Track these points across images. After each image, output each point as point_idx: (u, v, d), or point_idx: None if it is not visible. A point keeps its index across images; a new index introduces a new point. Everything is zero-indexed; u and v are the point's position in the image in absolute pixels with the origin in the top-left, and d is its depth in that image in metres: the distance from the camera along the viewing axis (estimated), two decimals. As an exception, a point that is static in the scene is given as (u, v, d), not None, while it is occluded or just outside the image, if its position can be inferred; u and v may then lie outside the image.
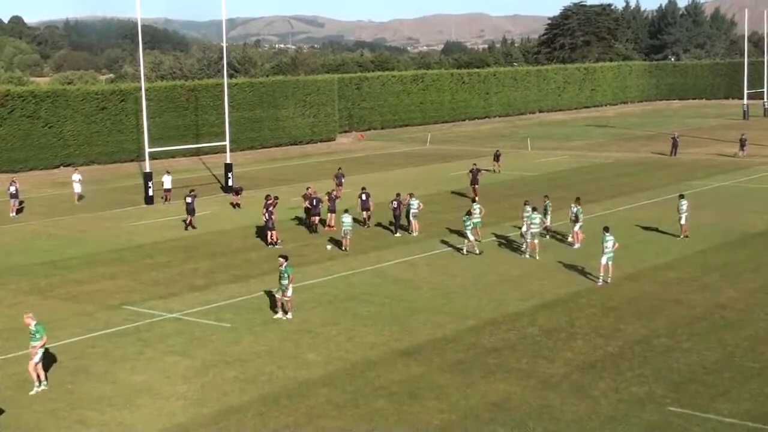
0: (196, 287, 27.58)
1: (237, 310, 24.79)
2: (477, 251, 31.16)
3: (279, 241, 33.72)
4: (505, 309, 24.54)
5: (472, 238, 31.17)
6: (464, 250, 31.22)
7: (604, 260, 26.88)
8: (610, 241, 26.88)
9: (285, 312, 23.98)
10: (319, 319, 23.88)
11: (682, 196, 34.02)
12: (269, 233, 33.66)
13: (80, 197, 45.78)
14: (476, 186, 42.72)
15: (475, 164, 43.48)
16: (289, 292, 23.77)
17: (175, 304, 25.71)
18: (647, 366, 19.87)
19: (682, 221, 33.02)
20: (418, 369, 19.96)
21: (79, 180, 46.13)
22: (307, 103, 73.04)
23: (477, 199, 33.94)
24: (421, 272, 29.09)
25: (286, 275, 23.50)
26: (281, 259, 23.84)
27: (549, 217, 33.53)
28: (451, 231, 35.43)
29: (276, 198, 35.30)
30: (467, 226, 31.05)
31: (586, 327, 22.78)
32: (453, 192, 43.35)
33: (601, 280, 26.88)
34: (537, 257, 30.29)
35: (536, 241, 30.63)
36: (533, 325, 22.98)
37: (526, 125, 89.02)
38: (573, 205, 32.90)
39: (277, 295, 24.24)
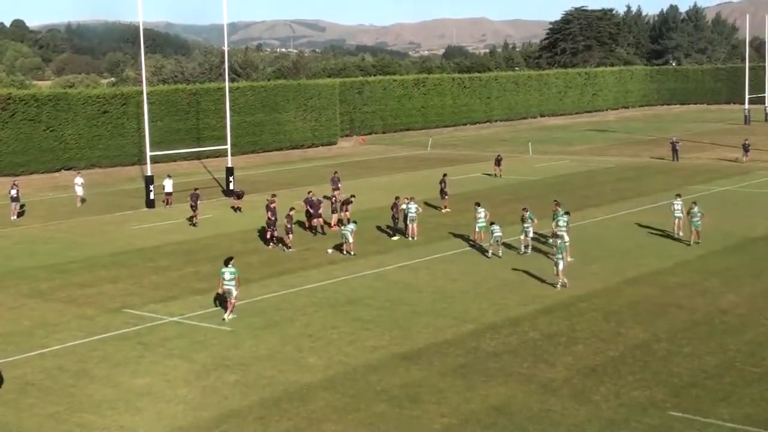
0: (197, 291, 27.59)
1: (238, 314, 24.76)
2: (489, 254, 31.27)
3: (282, 244, 33.84)
4: (505, 313, 24.54)
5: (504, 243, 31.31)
6: (489, 253, 31.35)
7: (561, 265, 26.66)
8: (560, 252, 26.66)
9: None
10: (320, 323, 23.91)
11: (694, 203, 33.91)
12: (268, 233, 33.96)
13: (83, 201, 45.82)
14: (446, 196, 41.68)
15: (445, 174, 43.12)
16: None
17: (176, 307, 25.72)
18: (648, 370, 19.87)
19: (699, 228, 32.57)
20: (419, 373, 19.97)
21: (82, 183, 46.17)
22: (308, 107, 73.09)
23: (480, 203, 33.71)
24: (422, 276, 29.12)
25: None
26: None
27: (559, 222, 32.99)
28: (453, 235, 35.46)
29: (274, 195, 35.34)
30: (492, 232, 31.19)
31: (587, 331, 22.78)
32: (425, 203, 42.75)
33: (562, 284, 26.59)
34: (570, 259, 30.14)
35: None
36: (534, 330, 22.99)
37: (528, 129, 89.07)
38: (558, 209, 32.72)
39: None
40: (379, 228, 37.14)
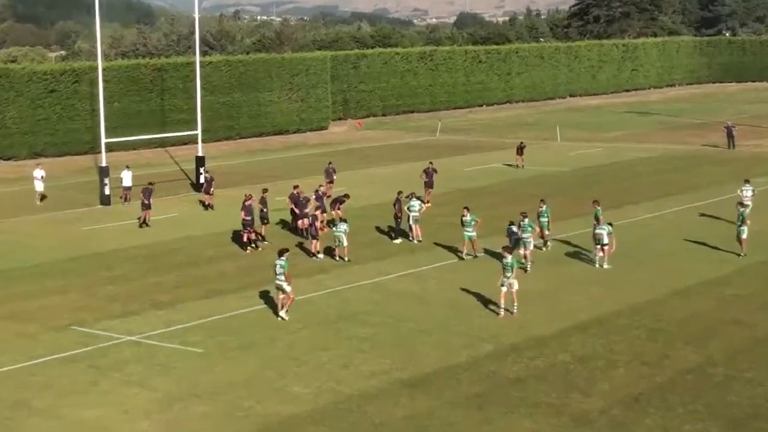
0: (161, 304, 27.51)
1: (209, 332, 24.67)
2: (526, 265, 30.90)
3: (260, 243, 34.10)
4: (530, 331, 24.43)
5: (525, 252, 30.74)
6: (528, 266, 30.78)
7: (505, 288, 25.82)
8: (510, 271, 25.80)
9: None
10: (307, 343, 23.79)
11: (741, 204, 33.57)
12: (245, 235, 34.21)
13: (43, 197, 45.46)
14: (430, 190, 41.80)
15: (431, 163, 43.15)
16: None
17: (135, 324, 25.60)
18: (701, 400, 19.76)
19: (743, 235, 31.88)
20: (427, 403, 19.87)
21: (42, 177, 45.92)
22: (294, 85, 73.05)
23: (469, 208, 33.05)
24: (429, 286, 29.03)
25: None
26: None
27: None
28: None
29: (251, 196, 35.24)
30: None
31: (628, 353, 22.68)
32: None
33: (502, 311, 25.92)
34: (606, 266, 30.52)
35: (602, 247, 30.59)
36: (564, 351, 22.90)
37: (555, 112, 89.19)
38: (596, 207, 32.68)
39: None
40: (378, 229, 37.05)
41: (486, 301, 27.12)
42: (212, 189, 42.87)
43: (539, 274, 30.01)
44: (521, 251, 30.53)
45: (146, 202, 38.77)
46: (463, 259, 32.39)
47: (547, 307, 26.54)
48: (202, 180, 46.83)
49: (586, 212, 35.49)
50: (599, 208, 32.41)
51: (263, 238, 35.35)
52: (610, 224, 31.13)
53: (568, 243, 34.07)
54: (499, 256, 31.66)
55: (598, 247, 30.82)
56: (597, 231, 30.90)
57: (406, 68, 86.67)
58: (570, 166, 53.88)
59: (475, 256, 32.34)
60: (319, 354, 22.97)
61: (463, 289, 28.50)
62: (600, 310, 26.14)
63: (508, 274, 25.84)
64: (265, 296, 27.98)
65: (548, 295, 27.64)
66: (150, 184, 39.98)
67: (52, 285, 29.91)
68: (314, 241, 33.18)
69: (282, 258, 25.76)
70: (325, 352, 23.12)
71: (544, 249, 33.03)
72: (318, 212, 35.34)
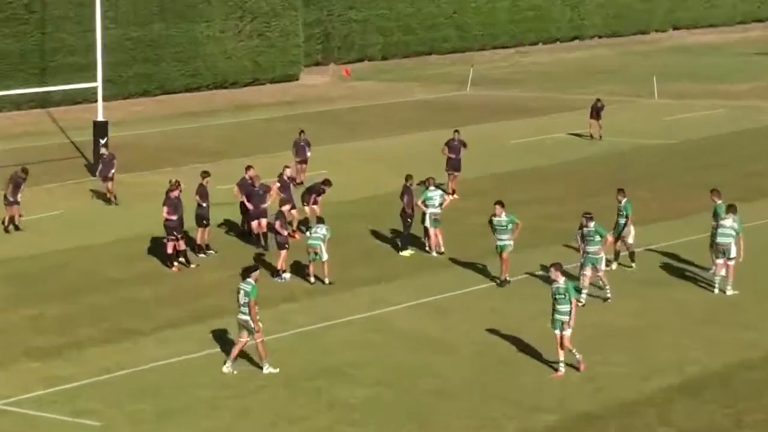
0: (38, 352, 27.39)
1: (112, 395, 24.56)
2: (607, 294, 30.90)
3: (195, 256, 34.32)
4: (611, 393, 24.41)
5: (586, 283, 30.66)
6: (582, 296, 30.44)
7: (558, 331, 25.59)
8: (566, 302, 25.57)
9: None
10: (268, 411, 23.78)
11: None
12: (169, 245, 34.21)
13: None
14: (457, 174, 42.63)
15: (457, 132, 43.70)
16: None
17: (-1, 382, 25.56)
18: None
19: None
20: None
21: None
22: (246, 12, 73.18)
23: (502, 204, 32.97)
24: (452, 323, 29.10)
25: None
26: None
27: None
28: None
29: (179, 183, 35.42)
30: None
31: (766, 427, 22.47)
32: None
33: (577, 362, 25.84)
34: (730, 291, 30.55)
35: (726, 261, 30.50)
36: (666, 424, 22.83)
37: (650, 54, 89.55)
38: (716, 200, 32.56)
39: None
40: (376, 234, 37.28)
41: (540, 346, 26.85)
42: (112, 172, 42.60)
43: (624, 304, 30.08)
44: (587, 272, 30.26)
45: (11, 198, 38.47)
46: (503, 282, 32.35)
47: (637, 355, 26.47)
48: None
49: (697, 208, 35.63)
50: (720, 201, 32.24)
51: (201, 249, 35.15)
52: (733, 208, 30.95)
53: (668, 255, 34.09)
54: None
55: (720, 261, 30.77)
56: (719, 238, 30.78)
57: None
58: (672, 137, 54.21)
59: (503, 281, 32.28)
60: (288, 428, 22.89)
61: (504, 328, 28.28)
62: (720, 359, 26.09)
63: (562, 308, 25.56)
64: (204, 337, 28.02)
65: (638, 337, 27.64)
66: (23, 170, 39.56)
67: None
68: (281, 252, 33.16)
69: (249, 280, 25.91)
70: (296, 424, 23.01)
71: (633, 266, 32.97)
72: (285, 208, 35.18)
